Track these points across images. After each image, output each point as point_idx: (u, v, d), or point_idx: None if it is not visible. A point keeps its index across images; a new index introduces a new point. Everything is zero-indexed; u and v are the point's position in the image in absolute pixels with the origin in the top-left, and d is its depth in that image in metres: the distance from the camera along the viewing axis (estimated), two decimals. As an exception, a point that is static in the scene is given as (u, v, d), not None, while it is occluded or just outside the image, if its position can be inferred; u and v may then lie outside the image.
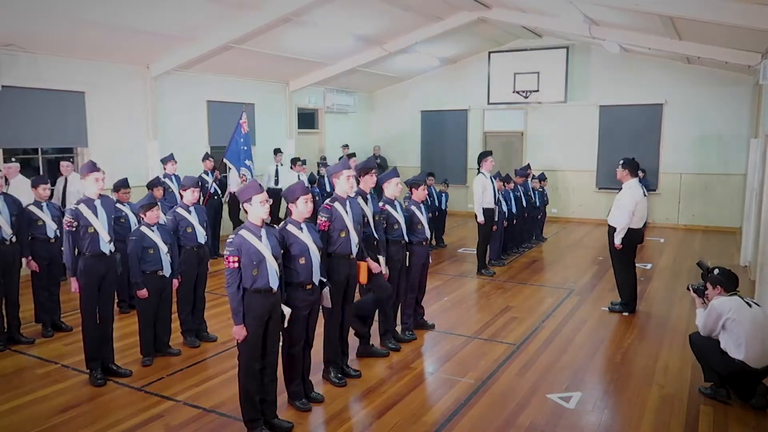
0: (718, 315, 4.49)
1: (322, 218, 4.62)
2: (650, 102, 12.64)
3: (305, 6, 8.19)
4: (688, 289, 5.00)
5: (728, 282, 4.62)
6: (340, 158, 11.75)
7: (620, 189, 6.63)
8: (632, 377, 5.08)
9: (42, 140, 8.55)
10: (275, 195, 9.97)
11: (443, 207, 10.72)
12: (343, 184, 4.76)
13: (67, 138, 8.83)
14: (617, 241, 6.54)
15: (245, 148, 9.78)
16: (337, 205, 4.70)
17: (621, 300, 6.87)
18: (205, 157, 9.94)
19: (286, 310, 4.07)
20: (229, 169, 10.34)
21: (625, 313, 6.77)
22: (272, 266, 3.91)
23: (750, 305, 4.46)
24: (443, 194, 10.74)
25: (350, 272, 4.79)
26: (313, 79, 12.66)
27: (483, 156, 8.55)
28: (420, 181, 6.01)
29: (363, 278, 4.93)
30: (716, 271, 4.69)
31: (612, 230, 6.63)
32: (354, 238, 4.74)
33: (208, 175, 9.72)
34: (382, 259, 5.30)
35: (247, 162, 9.84)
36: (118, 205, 6.30)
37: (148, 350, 5.36)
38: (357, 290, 5.17)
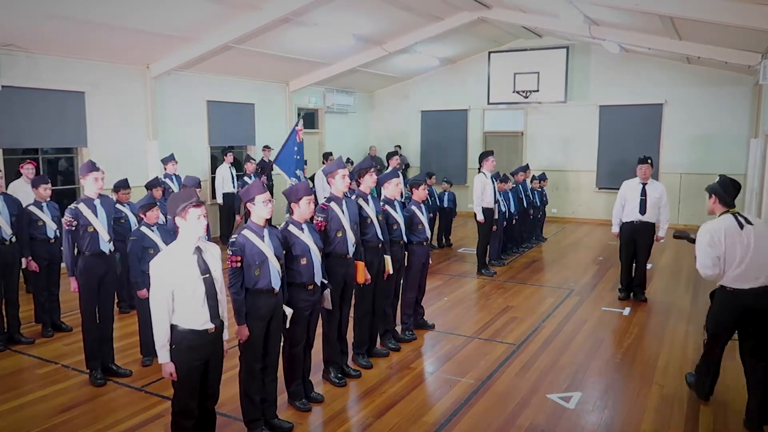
0: (710, 240, 4.09)
1: (318, 218, 4.62)
2: (650, 102, 12.64)
3: (305, 6, 8.19)
4: (675, 237, 4.76)
5: (725, 193, 4.19)
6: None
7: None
8: (632, 377, 5.08)
9: (42, 140, 8.55)
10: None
11: (446, 206, 10.69)
12: (339, 184, 4.76)
13: (66, 138, 8.83)
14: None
15: (298, 157, 9.39)
16: (333, 205, 4.70)
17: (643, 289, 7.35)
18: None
19: (288, 311, 4.06)
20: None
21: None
22: (274, 267, 3.90)
23: (742, 226, 4.06)
24: (446, 194, 10.73)
25: (347, 271, 4.78)
26: (313, 79, 12.67)
27: (484, 156, 8.55)
28: (420, 181, 6.01)
29: (360, 278, 4.93)
30: (717, 180, 4.32)
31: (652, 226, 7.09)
32: (350, 238, 4.73)
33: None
34: (388, 258, 5.30)
35: (298, 172, 9.42)
36: (118, 206, 6.31)
37: (148, 350, 5.34)
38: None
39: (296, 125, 9.51)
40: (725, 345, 4.36)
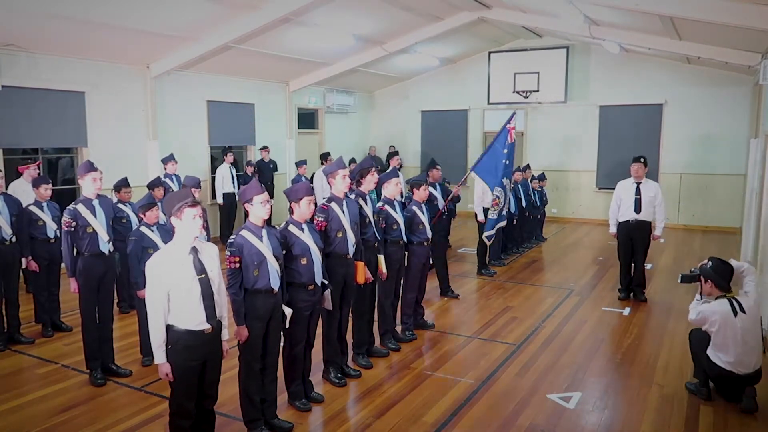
0: (703, 320, 4.56)
1: (318, 218, 4.62)
2: (650, 102, 12.64)
3: (305, 6, 8.18)
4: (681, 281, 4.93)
5: (721, 278, 4.52)
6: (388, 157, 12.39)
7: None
8: (632, 377, 5.08)
9: (42, 140, 8.54)
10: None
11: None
12: (339, 184, 4.75)
13: (67, 138, 8.83)
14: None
15: (507, 162, 7.58)
16: (333, 205, 4.69)
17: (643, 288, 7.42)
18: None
19: (288, 311, 4.06)
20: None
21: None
22: (273, 267, 3.90)
23: (736, 313, 4.41)
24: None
25: (347, 272, 4.78)
26: (313, 79, 12.67)
27: (485, 156, 8.55)
28: (421, 181, 6.00)
29: (360, 278, 4.92)
30: (709, 264, 4.63)
31: (648, 225, 7.14)
32: (351, 238, 4.73)
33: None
34: (381, 257, 5.30)
35: (505, 181, 7.64)
36: (120, 205, 6.32)
37: (147, 350, 5.32)
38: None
39: (508, 122, 7.62)
40: None
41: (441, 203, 7.47)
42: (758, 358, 4.48)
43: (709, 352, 4.54)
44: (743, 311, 4.42)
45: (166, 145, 9.90)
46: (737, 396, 4.47)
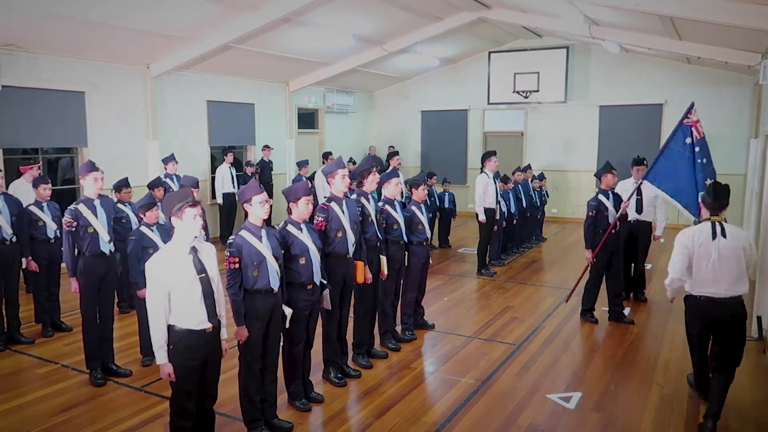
0: (683, 247, 4.16)
1: (318, 218, 4.62)
2: (650, 102, 12.63)
3: (305, 6, 8.19)
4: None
5: (709, 196, 4.18)
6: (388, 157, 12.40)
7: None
8: (632, 377, 5.08)
9: (42, 140, 8.54)
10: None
11: (446, 206, 10.69)
12: (339, 184, 4.75)
13: (67, 138, 8.83)
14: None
15: (703, 160, 6.02)
16: (333, 205, 4.69)
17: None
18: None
19: (287, 311, 4.06)
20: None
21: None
22: (273, 267, 3.90)
23: (715, 236, 4.06)
24: (446, 194, 10.72)
25: (347, 271, 4.78)
26: (313, 79, 12.68)
27: (487, 156, 8.56)
28: (420, 181, 6.01)
29: (360, 278, 4.92)
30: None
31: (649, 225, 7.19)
32: (350, 238, 4.73)
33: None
34: (383, 258, 5.30)
35: (707, 183, 5.28)
36: (120, 205, 6.32)
37: (148, 350, 5.33)
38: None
39: (686, 116, 6.34)
40: (705, 346, 4.38)
41: (612, 214, 6.41)
42: (734, 285, 4.06)
43: (688, 287, 4.21)
44: (724, 236, 4.07)
45: (166, 145, 9.91)
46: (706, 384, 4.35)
